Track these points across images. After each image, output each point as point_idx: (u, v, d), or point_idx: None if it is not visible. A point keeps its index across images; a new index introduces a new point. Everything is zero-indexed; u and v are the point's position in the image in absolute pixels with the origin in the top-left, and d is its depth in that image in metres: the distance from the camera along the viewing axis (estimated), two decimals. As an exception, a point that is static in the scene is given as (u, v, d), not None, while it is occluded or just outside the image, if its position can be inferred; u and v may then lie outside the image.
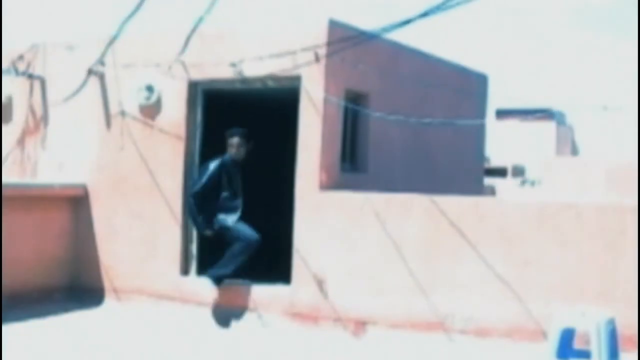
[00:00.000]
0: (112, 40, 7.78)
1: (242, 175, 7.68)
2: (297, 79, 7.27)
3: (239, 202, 7.57)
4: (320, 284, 7.10)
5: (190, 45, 7.50)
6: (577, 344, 5.49)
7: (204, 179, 7.41)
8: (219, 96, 8.33)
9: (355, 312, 6.98)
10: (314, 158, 7.19)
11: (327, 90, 7.17)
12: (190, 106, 7.97)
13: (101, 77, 8.38)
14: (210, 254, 7.75)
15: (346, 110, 7.57)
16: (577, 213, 6.23)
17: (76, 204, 8.51)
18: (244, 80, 7.57)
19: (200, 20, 6.87)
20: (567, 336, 5.39)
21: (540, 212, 6.39)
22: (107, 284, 8.32)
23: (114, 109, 8.34)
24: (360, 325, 6.95)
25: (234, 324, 7.29)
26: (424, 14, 5.85)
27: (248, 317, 7.31)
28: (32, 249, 8.09)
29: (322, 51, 7.09)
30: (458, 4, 5.60)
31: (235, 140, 7.53)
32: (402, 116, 7.75)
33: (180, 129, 7.96)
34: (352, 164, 7.92)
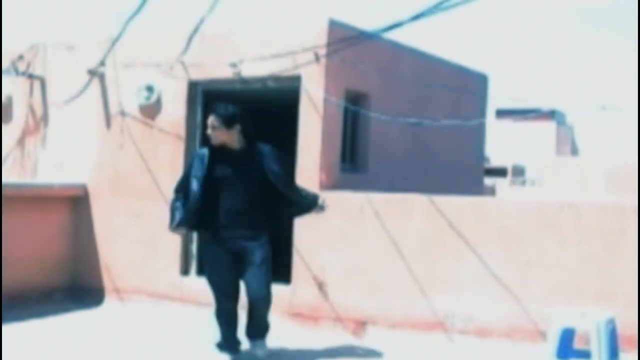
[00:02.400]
0: (115, 41, 7.78)
1: (250, 171, 5.79)
2: (297, 79, 7.27)
3: (226, 211, 5.71)
4: (320, 284, 7.10)
5: (190, 45, 7.51)
6: (577, 344, 5.50)
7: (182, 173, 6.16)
8: (219, 96, 8.32)
9: (355, 312, 6.98)
10: (314, 158, 7.19)
11: (327, 90, 7.18)
12: (190, 106, 7.97)
13: (101, 77, 8.39)
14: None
15: (346, 110, 7.57)
16: (577, 213, 6.23)
17: (76, 204, 8.51)
18: (244, 80, 7.56)
19: (202, 20, 6.87)
20: (567, 336, 5.40)
21: (540, 212, 6.39)
22: (107, 284, 8.33)
23: (114, 109, 8.35)
24: (360, 325, 6.95)
25: (234, 324, 7.28)
26: (423, 14, 5.86)
27: (248, 317, 7.30)
28: (32, 249, 8.09)
29: (322, 51, 7.10)
30: (457, 4, 5.61)
31: (209, 121, 5.88)
32: (402, 116, 7.76)
33: (180, 129, 7.97)
34: (352, 164, 7.93)
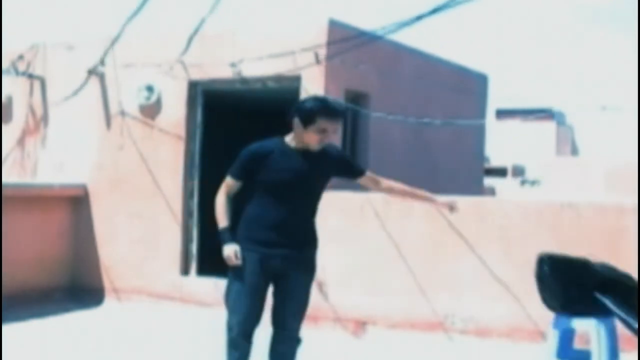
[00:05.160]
0: (115, 41, 7.78)
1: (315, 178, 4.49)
2: (297, 79, 7.27)
3: (286, 221, 4.30)
4: (320, 284, 7.10)
5: (191, 45, 7.51)
6: (577, 344, 5.49)
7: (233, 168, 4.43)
8: (219, 96, 8.33)
9: (355, 312, 6.98)
10: (314, 158, 7.18)
11: (327, 90, 7.18)
12: (190, 106, 7.97)
13: (101, 77, 8.39)
14: (211, 254, 7.73)
15: (346, 110, 7.58)
16: (577, 213, 6.23)
17: (76, 204, 8.51)
18: (244, 80, 7.57)
19: (203, 21, 6.88)
20: (567, 336, 5.39)
21: (540, 212, 6.39)
22: (107, 284, 8.33)
23: (114, 109, 8.35)
24: (360, 325, 6.95)
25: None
26: (425, 15, 5.86)
27: (248, 317, 7.30)
28: (32, 249, 8.09)
29: (322, 51, 7.10)
30: (457, 4, 5.61)
31: (334, 126, 4.34)
32: (402, 116, 7.76)
33: (180, 129, 7.97)
34: (352, 164, 7.92)
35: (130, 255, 8.20)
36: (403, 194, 5.01)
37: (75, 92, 8.39)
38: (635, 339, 5.78)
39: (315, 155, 4.36)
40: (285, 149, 4.33)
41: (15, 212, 7.78)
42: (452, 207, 4.92)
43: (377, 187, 4.85)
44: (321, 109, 4.25)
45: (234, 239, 4.32)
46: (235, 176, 4.38)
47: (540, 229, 6.33)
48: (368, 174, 4.78)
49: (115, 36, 7.61)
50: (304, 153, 4.33)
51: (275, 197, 4.29)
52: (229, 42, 7.65)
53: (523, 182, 29.66)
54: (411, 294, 6.74)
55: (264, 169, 4.28)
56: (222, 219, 4.36)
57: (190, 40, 7.42)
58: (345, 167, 4.68)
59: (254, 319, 4.36)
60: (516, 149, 39.03)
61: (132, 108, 8.22)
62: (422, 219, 6.77)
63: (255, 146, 4.38)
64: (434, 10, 5.78)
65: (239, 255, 4.28)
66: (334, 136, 4.30)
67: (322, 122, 4.23)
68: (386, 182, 4.87)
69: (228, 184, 4.42)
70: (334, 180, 7.29)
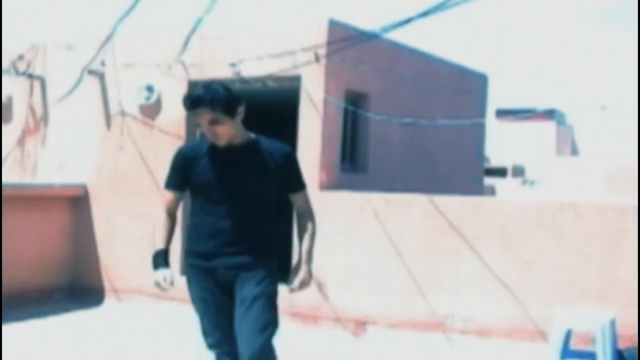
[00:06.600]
0: (107, 40, 7.78)
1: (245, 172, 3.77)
2: (297, 79, 7.27)
3: (221, 226, 3.77)
4: (320, 284, 7.10)
5: (190, 45, 7.51)
6: (579, 345, 5.50)
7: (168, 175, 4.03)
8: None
9: (355, 312, 6.98)
10: (314, 158, 7.19)
11: (327, 90, 7.18)
12: (190, 106, 7.96)
13: (101, 77, 8.39)
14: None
15: (346, 111, 7.58)
16: (577, 213, 6.23)
17: (76, 204, 8.51)
18: (244, 80, 7.57)
19: (200, 20, 6.88)
20: (570, 337, 5.40)
21: (540, 212, 6.39)
22: (107, 284, 8.33)
23: (114, 109, 8.35)
24: (360, 325, 6.95)
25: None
26: (424, 14, 5.86)
27: (248, 317, 7.30)
28: (32, 249, 8.09)
29: (322, 51, 7.10)
30: (457, 3, 5.61)
31: (204, 118, 3.68)
32: (402, 116, 7.76)
33: (180, 128, 7.97)
34: (352, 164, 7.93)
35: (130, 255, 8.20)
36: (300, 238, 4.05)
37: (71, 92, 8.38)
38: (635, 339, 5.79)
39: (242, 152, 3.76)
40: (214, 148, 3.77)
41: (15, 212, 7.79)
42: (300, 284, 3.97)
43: (296, 214, 4.02)
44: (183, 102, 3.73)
45: (166, 263, 3.92)
46: (170, 186, 3.92)
47: (540, 229, 6.33)
48: (305, 193, 3.96)
49: (108, 35, 7.60)
50: (230, 151, 3.75)
51: (208, 203, 3.78)
52: (229, 42, 7.65)
53: (524, 182, 29.65)
54: (411, 294, 6.74)
55: (194, 172, 3.81)
56: (157, 240, 3.97)
57: (187, 40, 7.42)
58: (285, 174, 3.84)
59: (228, 338, 3.78)
60: (516, 149, 39.03)
61: (132, 108, 8.23)
62: (422, 219, 6.77)
63: (184, 148, 3.98)
64: (435, 10, 5.78)
65: (168, 280, 3.86)
66: (221, 128, 3.64)
67: (193, 115, 3.72)
68: (301, 223, 3.97)
69: (165, 198, 3.93)
70: (334, 180, 7.32)
